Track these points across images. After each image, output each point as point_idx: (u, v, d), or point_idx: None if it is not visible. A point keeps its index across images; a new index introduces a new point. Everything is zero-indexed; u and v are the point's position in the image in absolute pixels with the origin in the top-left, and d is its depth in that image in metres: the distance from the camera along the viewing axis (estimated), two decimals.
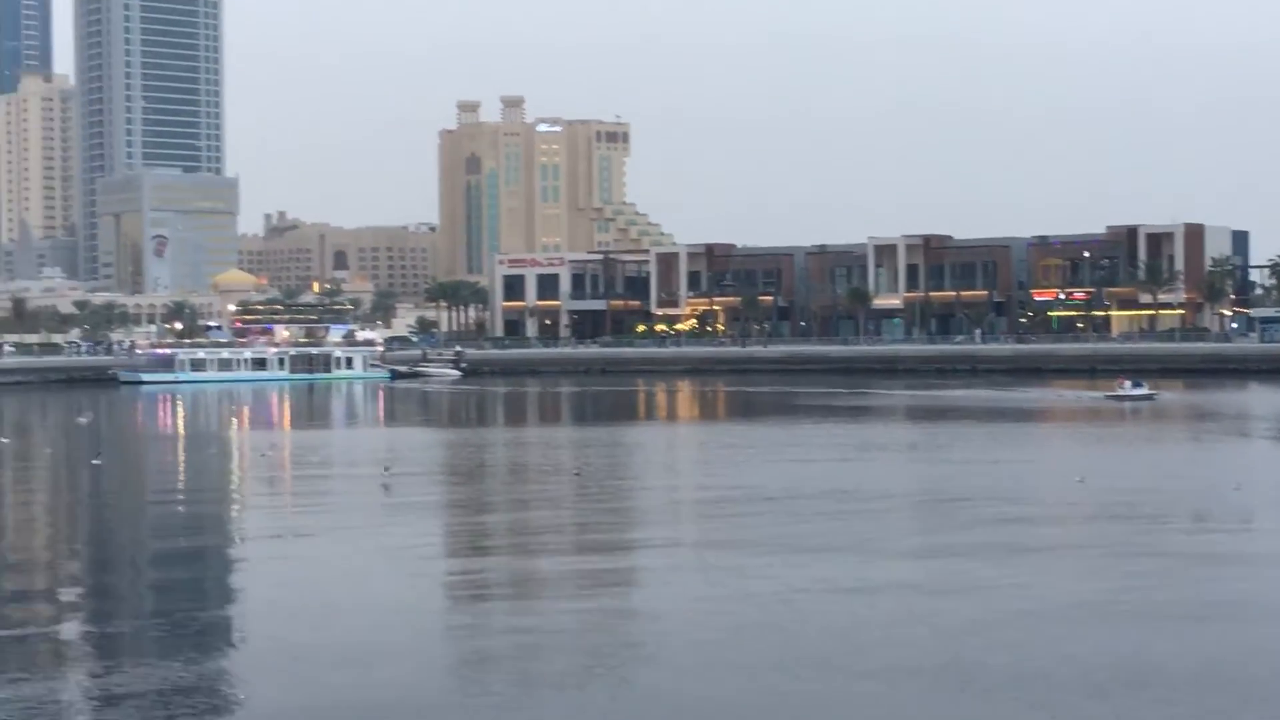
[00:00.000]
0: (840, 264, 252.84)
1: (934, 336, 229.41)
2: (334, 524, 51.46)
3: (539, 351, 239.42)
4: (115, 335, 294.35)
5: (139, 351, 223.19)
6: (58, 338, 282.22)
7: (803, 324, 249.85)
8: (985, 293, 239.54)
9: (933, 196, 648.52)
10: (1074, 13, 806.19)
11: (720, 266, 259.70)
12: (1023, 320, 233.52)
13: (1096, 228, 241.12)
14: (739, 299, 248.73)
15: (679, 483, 66.99)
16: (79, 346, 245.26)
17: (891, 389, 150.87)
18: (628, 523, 52.73)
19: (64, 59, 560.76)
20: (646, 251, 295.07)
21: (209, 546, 47.63)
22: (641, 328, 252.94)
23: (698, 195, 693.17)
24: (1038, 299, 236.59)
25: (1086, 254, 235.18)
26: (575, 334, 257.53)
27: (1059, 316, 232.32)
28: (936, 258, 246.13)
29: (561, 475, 68.10)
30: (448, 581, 40.99)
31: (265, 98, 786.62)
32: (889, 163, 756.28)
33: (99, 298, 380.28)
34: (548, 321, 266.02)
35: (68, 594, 39.85)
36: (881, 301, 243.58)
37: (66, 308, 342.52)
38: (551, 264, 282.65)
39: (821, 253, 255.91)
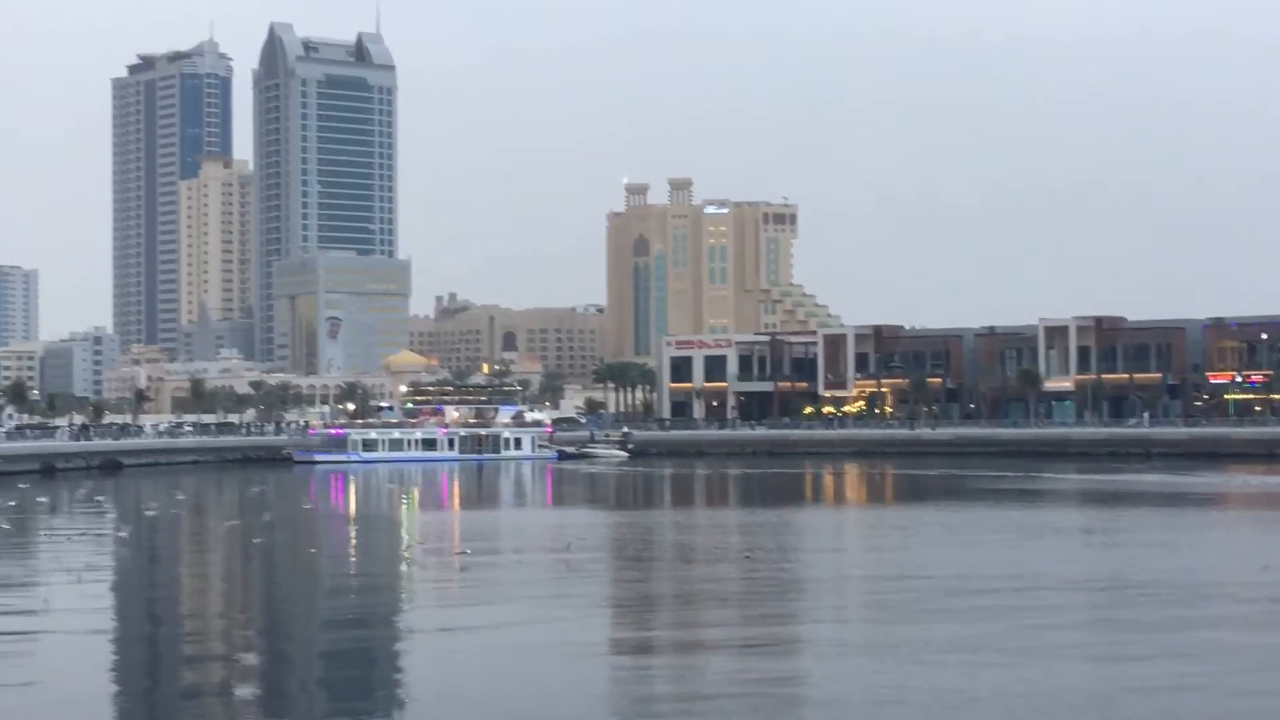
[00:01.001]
0: (1010, 345, 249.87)
1: (1106, 419, 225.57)
2: (502, 610, 51.44)
3: (706, 433, 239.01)
4: (289, 415, 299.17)
5: (312, 432, 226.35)
6: (234, 417, 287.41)
7: (971, 406, 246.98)
8: (1159, 375, 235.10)
9: (1104, 276, 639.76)
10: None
11: (888, 348, 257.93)
12: (1198, 403, 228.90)
13: (1275, 309, 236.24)
14: (907, 381, 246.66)
15: (849, 568, 66.20)
16: (259, 427, 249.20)
17: (1063, 473, 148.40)
18: (799, 612, 51.99)
19: (243, 145, 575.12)
20: (814, 333, 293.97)
21: (377, 637, 47.67)
22: (809, 409, 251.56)
23: (864, 276, 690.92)
24: (1213, 381, 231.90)
25: (1265, 336, 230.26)
26: (742, 415, 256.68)
27: (1235, 399, 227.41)
28: (1109, 339, 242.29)
29: (729, 559, 67.64)
30: (615, 674, 40.71)
31: (437, 181, 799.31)
32: (1059, 242, 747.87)
33: (274, 378, 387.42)
34: (715, 403, 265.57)
35: (242, 691, 40.14)
36: (1052, 384, 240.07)
37: (243, 388, 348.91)
38: (719, 345, 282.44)
39: (991, 334, 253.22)
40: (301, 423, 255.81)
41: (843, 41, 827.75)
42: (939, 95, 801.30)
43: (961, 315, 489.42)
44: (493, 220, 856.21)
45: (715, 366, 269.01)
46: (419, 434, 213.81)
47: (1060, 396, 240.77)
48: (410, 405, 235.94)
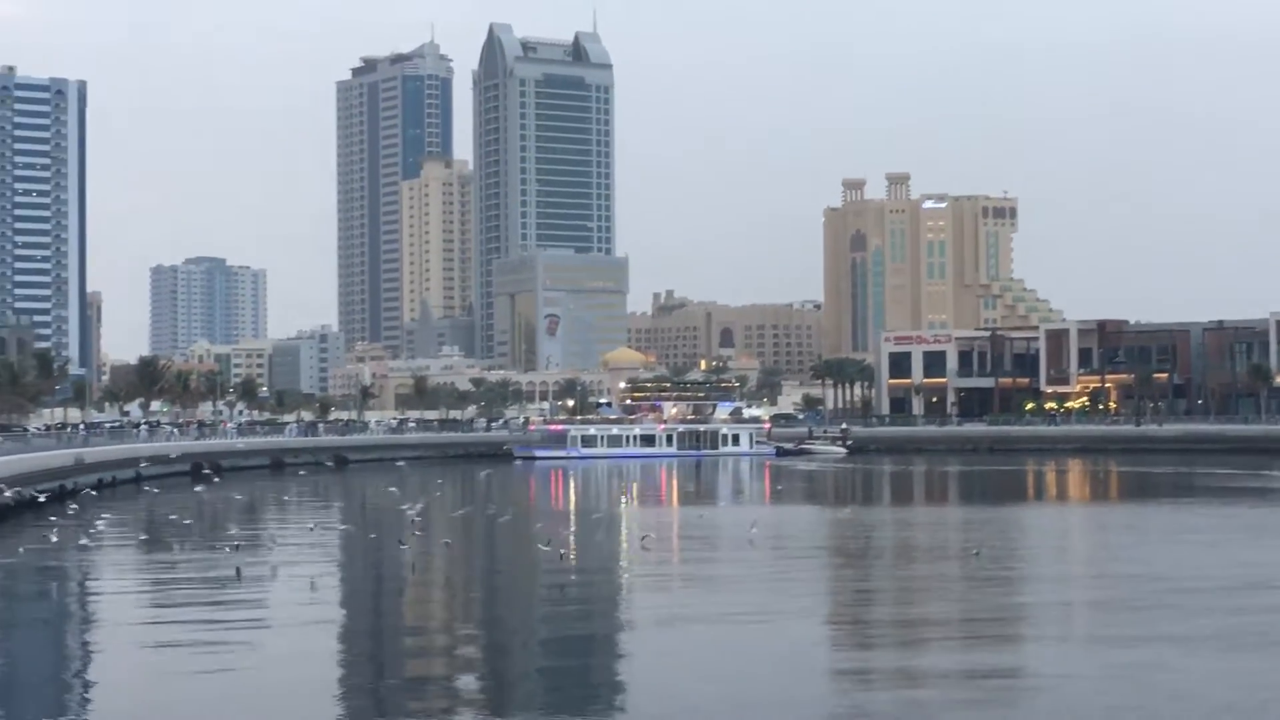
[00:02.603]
0: (1239, 340, 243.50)
1: None
2: (722, 604, 51.28)
3: (925, 429, 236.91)
4: (509, 412, 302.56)
5: (532, 428, 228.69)
6: (456, 414, 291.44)
7: (1199, 402, 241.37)
8: None
9: None
10: None
11: (1112, 343, 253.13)
12: None
13: None
14: (1132, 376, 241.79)
15: (1077, 569, 64.97)
16: (482, 423, 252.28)
17: None
18: (1025, 614, 50.97)
19: (463, 145, 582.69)
20: (1035, 328, 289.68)
21: (597, 634, 47.81)
22: (1030, 405, 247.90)
23: (1086, 269, 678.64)
24: None
25: None
26: (962, 411, 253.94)
27: None
28: None
29: (951, 557, 66.78)
30: (834, 668, 40.36)
31: (654, 178, 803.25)
32: None
33: (494, 375, 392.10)
34: (934, 399, 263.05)
35: (464, 680, 40.52)
36: None
37: (464, 385, 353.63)
38: (938, 341, 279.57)
39: (1219, 329, 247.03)
40: (521, 419, 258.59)
41: (1054, 30, 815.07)
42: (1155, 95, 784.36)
43: (1188, 310, 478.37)
44: (709, 217, 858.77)
45: (934, 362, 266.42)
46: (637, 430, 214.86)
47: None
48: (629, 401, 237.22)
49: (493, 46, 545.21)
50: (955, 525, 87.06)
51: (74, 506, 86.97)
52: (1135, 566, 61.86)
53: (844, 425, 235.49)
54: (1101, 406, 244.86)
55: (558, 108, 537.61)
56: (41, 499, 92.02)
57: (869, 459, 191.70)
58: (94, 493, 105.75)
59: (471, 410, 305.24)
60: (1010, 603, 52.25)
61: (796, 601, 52.11)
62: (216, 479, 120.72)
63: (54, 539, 70.00)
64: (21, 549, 68.21)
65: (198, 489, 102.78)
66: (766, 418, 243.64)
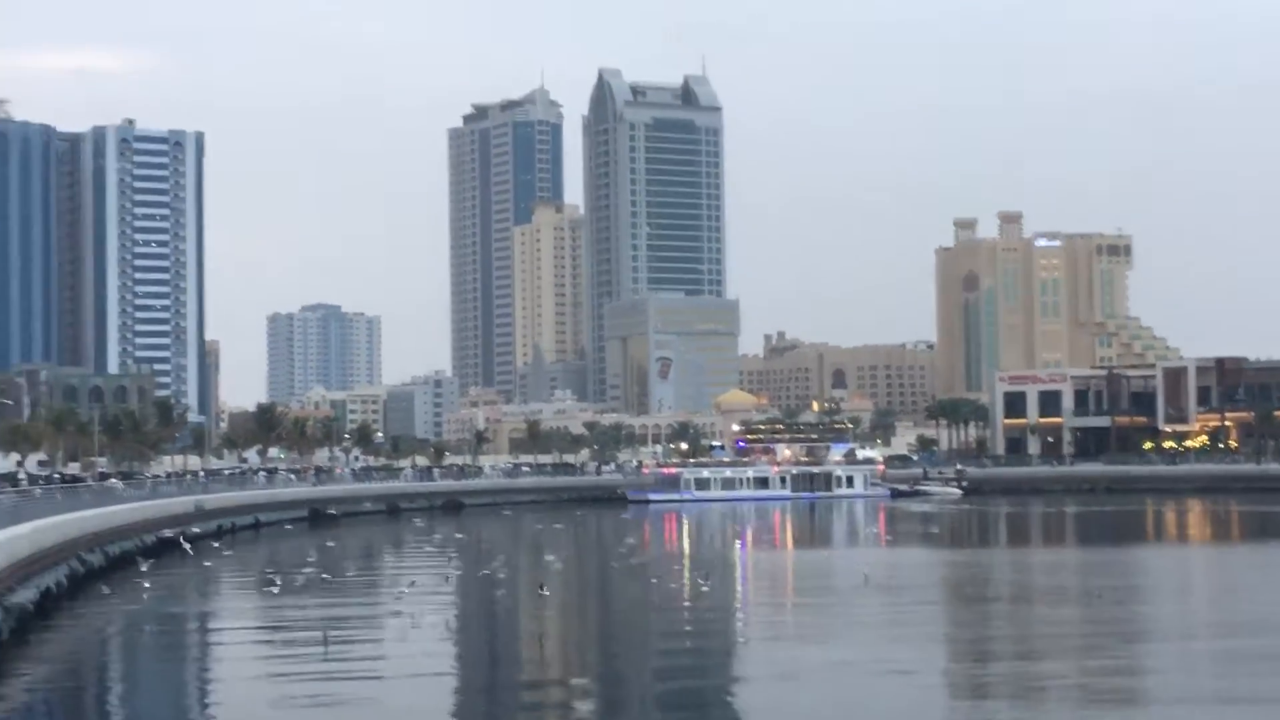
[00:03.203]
0: None
1: None
2: (837, 649, 51.00)
3: (1041, 470, 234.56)
4: (622, 455, 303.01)
5: (646, 471, 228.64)
6: (569, 458, 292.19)
7: None
8: None
9: None
10: None
11: (1232, 380, 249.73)
12: None
13: None
14: (1252, 414, 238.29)
15: (1201, 613, 63.98)
16: (593, 467, 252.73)
17: None
18: (1149, 666, 49.68)
19: (574, 190, 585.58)
20: (1152, 366, 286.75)
21: (710, 686, 47.62)
22: (1148, 445, 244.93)
23: (1204, 306, 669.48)
24: None
25: None
26: (1078, 451, 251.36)
27: None
28: None
29: (1071, 601, 66.01)
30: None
31: (764, 220, 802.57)
32: None
33: (607, 419, 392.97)
34: (1050, 439, 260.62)
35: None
36: None
37: (577, 428, 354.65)
38: (1053, 380, 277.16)
39: None
40: (634, 463, 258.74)
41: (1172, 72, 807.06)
42: None
43: None
44: (820, 258, 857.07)
45: (1050, 402, 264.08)
46: (751, 472, 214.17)
47: None
48: (742, 444, 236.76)
49: (602, 91, 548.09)
50: (1074, 567, 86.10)
51: (189, 550, 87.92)
52: (1261, 610, 60.81)
53: (959, 466, 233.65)
54: (1221, 445, 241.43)
55: (668, 151, 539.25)
56: (189, 540, 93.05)
57: (985, 500, 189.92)
58: (215, 543, 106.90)
59: (584, 454, 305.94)
60: (1133, 651, 51.39)
61: (910, 644, 51.66)
62: (333, 524, 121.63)
63: (178, 585, 70.83)
64: (146, 595, 68.94)
65: (329, 543, 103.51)
66: (880, 459, 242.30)
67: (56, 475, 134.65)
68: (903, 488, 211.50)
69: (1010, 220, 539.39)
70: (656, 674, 48.47)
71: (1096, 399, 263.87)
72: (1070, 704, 40.66)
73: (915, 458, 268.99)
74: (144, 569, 75.82)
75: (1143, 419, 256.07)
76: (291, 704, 41.53)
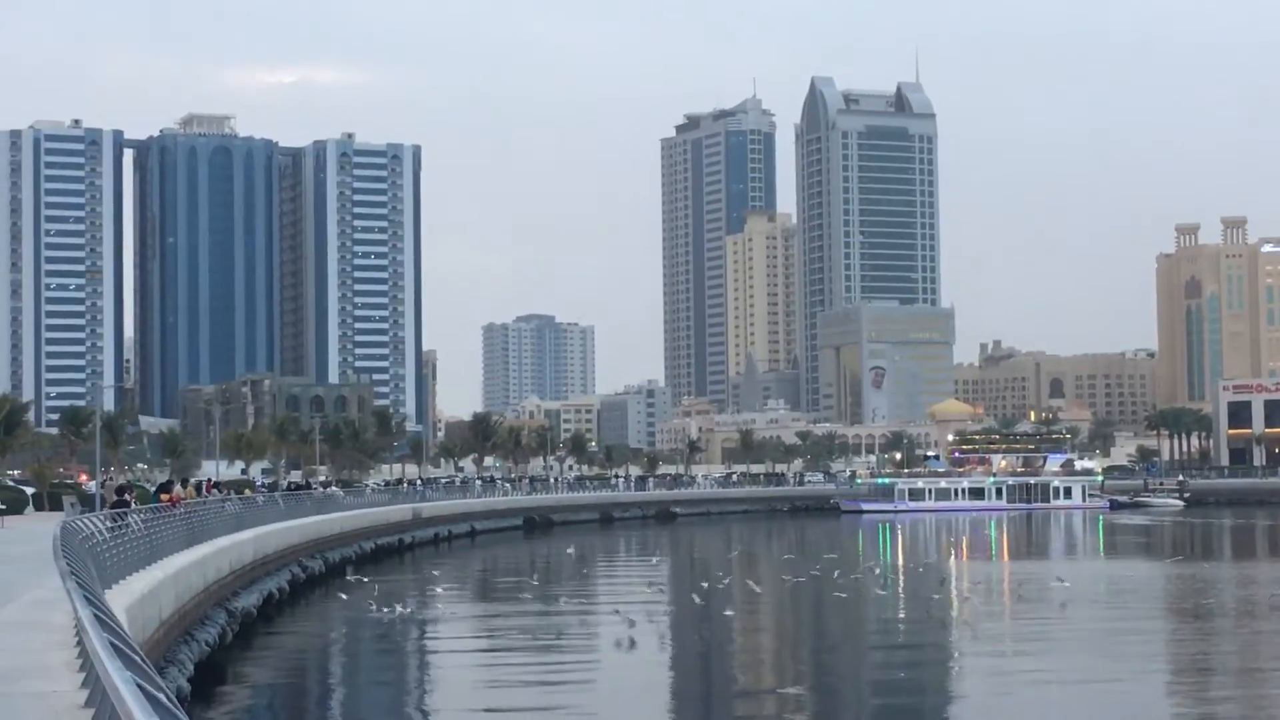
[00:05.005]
0: None
1: None
2: (1056, 663, 50.18)
3: (1268, 481, 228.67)
4: (835, 465, 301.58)
5: (860, 481, 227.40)
6: (781, 467, 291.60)
7: None
8: None
9: None
10: None
11: None
12: None
13: None
14: None
15: None
16: (806, 478, 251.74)
17: None
18: None
19: (786, 198, 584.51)
20: None
21: (926, 706, 47.15)
22: None
23: None
24: None
25: None
26: None
27: None
28: None
29: None
30: None
31: (979, 227, 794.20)
32: None
33: (820, 428, 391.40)
34: (1276, 449, 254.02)
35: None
36: None
37: (789, 438, 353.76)
38: (1279, 389, 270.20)
39: None
40: (848, 473, 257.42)
41: None
42: None
43: None
44: (1036, 265, 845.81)
45: (1276, 411, 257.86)
46: (966, 483, 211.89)
47: None
48: (957, 454, 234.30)
49: (814, 99, 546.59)
50: None
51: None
52: None
53: (1181, 477, 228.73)
54: None
55: (880, 158, 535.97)
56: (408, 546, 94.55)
57: (1208, 512, 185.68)
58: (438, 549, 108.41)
59: (798, 464, 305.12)
60: None
61: (1131, 661, 50.64)
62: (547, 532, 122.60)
63: (397, 591, 71.86)
64: (374, 604, 68.49)
65: (569, 550, 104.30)
66: (1099, 470, 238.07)
67: (291, 484, 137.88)
68: (1122, 499, 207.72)
69: (1234, 225, 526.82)
70: (873, 670, 48.22)
71: None
72: None
73: (1135, 469, 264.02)
74: (357, 578, 76.93)
75: None
76: (507, 708, 42.00)
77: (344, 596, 68.42)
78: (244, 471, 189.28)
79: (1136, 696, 43.17)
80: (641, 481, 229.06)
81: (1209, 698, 44.19)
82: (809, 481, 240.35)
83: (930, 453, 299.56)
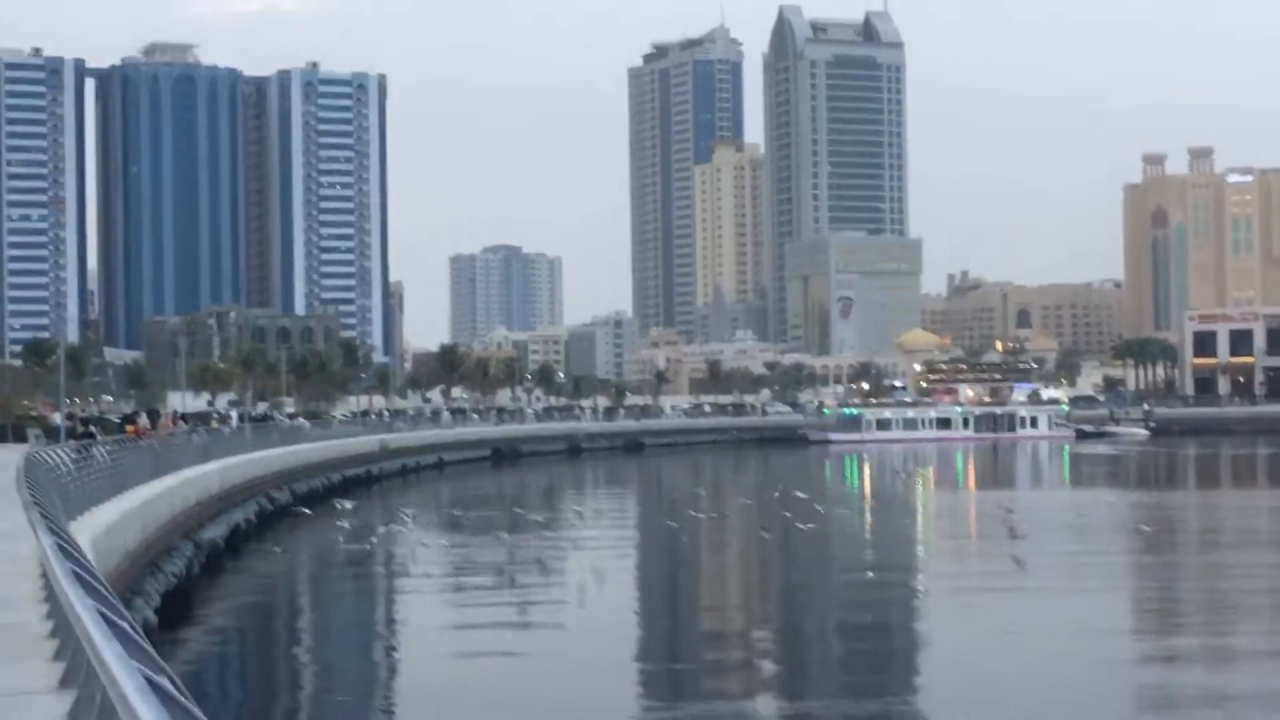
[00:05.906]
0: None
1: None
2: (1022, 594, 50.42)
3: (1232, 410, 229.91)
4: (803, 395, 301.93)
5: (827, 411, 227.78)
6: (749, 398, 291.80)
7: None
8: None
9: None
10: None
11: None
12: None
13: None
14: None
15: None
16: (777, 408, 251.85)
17: None
18: None
19: (754, 129, 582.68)
20: None
21: (895, 623, 47.40)
22: None
23: None
24: None
25: None
26: (1270, 391, 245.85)
27: None
28: None
29: (1261, 545, 64.64)
30: (1139, 675, 39.32)
31: (947, 156, 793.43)
32: None
33: (788, 359, 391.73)
34: (1241, 379, 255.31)
35: (762, 666, 40.57)
36: None
37: (757, 369, 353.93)
38: (1245, 319, 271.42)
39: None
40: (815, 403, 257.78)
41: None
42: None
43: None
44: (1004, 196, 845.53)
45: (1241, 341, 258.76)
46: (933, 413, 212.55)
47: None
48: (924, 384, 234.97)
49: (783, 29, 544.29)
50: (1266, 511, 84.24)
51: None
52: None
53: (1146, 407, 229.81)
54: None
55: (849, 89, 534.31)
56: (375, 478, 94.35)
57: (1173, 441, 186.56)
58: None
59: (765, 394, 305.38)
60: None
61: (1094, 593, 50.95)
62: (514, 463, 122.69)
63: (363, 523, 71.83)
64: (374, 539, 67.09)
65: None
66: (1065, 400, 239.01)
67: (261, 414, 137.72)
68: (1088, 429, 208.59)
69: (1201, 155, 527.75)
70: (840, 606, 48.41)
71: None
72: (1259, 659, 39.81)
73: (1101, 399, 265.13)
74: (342, 505, 76.77)
75: None
76: (472, 648, 42.05)
77: (344, 525, 68.19)
78: (210, 403, 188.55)
79: (1096, 619, 43.39)
80: (610, 412, 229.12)
81: (1172, 620, 44.47)
82: (774, 412, 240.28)
83: (898, 383, 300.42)
